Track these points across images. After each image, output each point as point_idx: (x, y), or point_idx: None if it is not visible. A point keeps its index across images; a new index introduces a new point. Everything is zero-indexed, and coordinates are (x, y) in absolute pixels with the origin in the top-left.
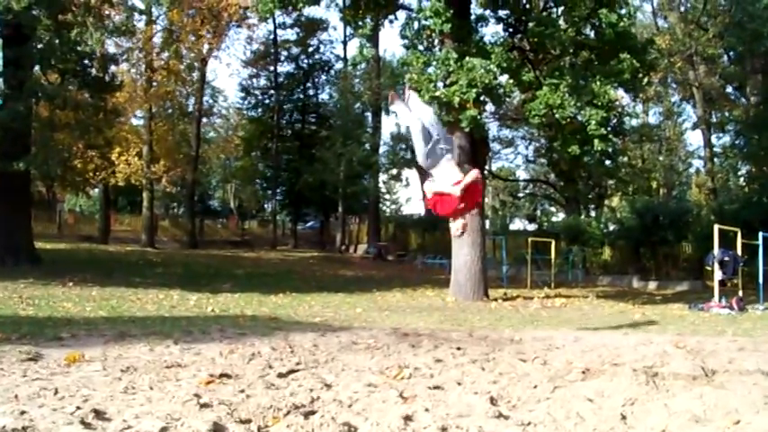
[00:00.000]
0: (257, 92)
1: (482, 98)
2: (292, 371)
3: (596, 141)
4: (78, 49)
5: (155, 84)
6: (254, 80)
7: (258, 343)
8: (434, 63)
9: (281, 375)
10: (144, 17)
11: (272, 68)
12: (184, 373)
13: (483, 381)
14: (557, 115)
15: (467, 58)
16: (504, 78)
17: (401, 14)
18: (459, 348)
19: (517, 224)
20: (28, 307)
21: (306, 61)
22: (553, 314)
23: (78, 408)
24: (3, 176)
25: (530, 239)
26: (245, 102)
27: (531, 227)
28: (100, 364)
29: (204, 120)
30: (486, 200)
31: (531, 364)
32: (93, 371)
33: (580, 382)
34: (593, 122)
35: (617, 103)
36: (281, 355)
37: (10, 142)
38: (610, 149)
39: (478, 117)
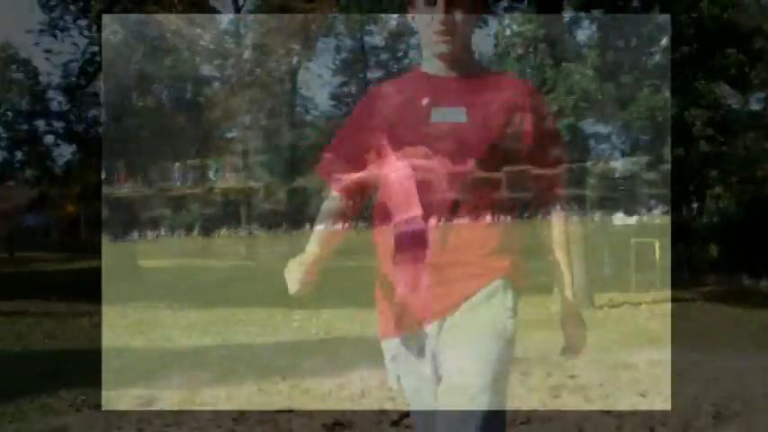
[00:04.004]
0: (348, 100)
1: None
2: None
3: (702, 142)
4: None
5: None
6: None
7: None
8: None
9: None
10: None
11: (361, 75)
12: None
13: None
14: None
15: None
16: None
17: None
18: None
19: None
20: None
21: (395, 67)
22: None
23: None
24: None
25: (632, 241)
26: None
27: (632, 220)
28: None
29: None
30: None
31: None
32: None
33: None
34: (699, 123)
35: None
36: None
37: None
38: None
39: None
